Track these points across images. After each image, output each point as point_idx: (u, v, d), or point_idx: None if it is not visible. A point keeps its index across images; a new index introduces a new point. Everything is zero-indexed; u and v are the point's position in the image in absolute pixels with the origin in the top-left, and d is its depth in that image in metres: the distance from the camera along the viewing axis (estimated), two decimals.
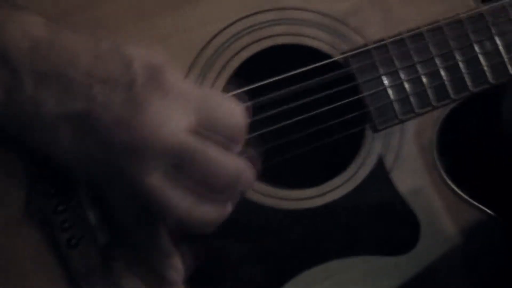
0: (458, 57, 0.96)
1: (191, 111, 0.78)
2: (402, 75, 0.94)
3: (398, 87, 0.94)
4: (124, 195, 0.81)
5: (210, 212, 0.80)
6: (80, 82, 0.77)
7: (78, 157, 0.79)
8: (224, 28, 0.92)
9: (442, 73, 0.95)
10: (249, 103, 0.90)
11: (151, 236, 0.83)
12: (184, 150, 0.77)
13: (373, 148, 0.94)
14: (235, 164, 0.79)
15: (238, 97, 0.87)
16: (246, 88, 0.90)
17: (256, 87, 0.91)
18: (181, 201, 0.78)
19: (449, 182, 0.95)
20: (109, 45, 0.79)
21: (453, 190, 0.95)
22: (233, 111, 0.80)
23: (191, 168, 0.78)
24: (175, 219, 0.79)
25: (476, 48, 0.96)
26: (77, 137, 0.78)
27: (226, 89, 0.91)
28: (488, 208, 0.96)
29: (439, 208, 0.95)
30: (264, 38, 0.93)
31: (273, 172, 0.91)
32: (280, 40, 0.94)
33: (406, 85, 0.94)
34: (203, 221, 0.79)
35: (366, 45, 0.94)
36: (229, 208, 0.82)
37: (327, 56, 0.94)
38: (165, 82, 0.77)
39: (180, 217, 0.78)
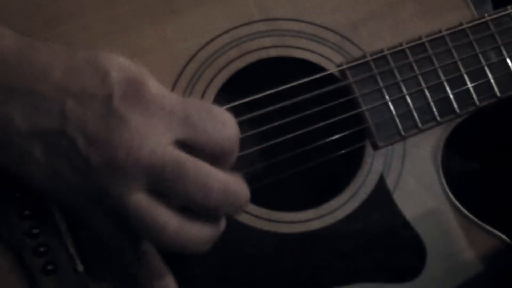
0: (462, 68, 0.94)
1: (176, 125, 0.75)
2: (403, 88, 0.92)
3: (399, 100, 0.92)
4: (107, 218, 0.78)
5: (200, 232, 0.77)
6: (52, 97, 0.74)
7: (52, 178, 0.76)
8: (211, 40, 0.90)
9: (446, 86, 0.93)
10: (240, 119, 0.87)
11: (140, 257, 0.79)
12: (168, 167, 0.74)
13: (373, 167, 0.92)
14: (225, 181, 0.76)
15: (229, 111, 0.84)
16: (235, 103, 0.88)
17: (247, 102, 0.88)
18: (168, 220, 0.75)
19: (457, 204, 0.92)
20: (84, 56, 0.76)
21: (461, 212, 0.92)
22: (224, 122, 0.77)
23: (177, 186, 0.75)
24: (164, 240, 0.75)
25: (481, 58, 0.94)
26: (50, 156, 0.75)
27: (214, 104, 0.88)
28: (501, 232, 0.92)
29: (448, 232, 0.92)
30: (254, 50, 0.91)
31: (266, 193, 0.88)
32: (271, 53, 0.91)
33: (408, 99, 0.92)
34: (193, 242, 0.76)
35: (364, 56, 0.92)
36: (221, 226, 0.79)
37: (321, 68, 0.92)
38: (146, 94, 0.74)
39: (168, 238, 0.75)
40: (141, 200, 0.74)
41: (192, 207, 0.76)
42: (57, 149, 0.74)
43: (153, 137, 0.74)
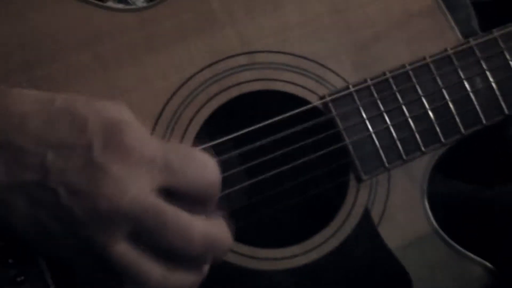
0: (447, 96, 0.94)
1: (157, 172, 0.76)
2: (387, 119, 0.93)
3: (383, 132, 0.93)
4: (92, 267, 0.78)
5: (184, 279, 0.78)
6: (32, 149, 0.75)
7: (36, 229, 0.76)
8: (192, 76, 0.90)
9: (431, 114, 0.93)
10: (223, 157, 0.87)
11: None
12: (148, 216, 0.75)
13: (358, 200, 0.92)
14: (205, 229, 0.77)
15: (209, 151, 0.84)
16: (217, 141, 0.88)
17: (229, 139, 0.88)
18: (152, 270, 0.76)
19: (443, 234, 0.93)
20: (61, 104, 0.76)
21: (447, 242, 0.93)
22: (205, 166, 0.77)
23: (158, 235, 0.75)
24: None
25: (467, 85, 0.94)
26: (33, 208, 0.75)
27: (196, 142, 0.88)
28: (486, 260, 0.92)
29: (433, 263, 0.93)
30: (235, 85, 0.91)
31: (250, 230, 0.88)
32: (253, 87, 0.92)
33: (392, 130, 0.93)
34: None
35: (347, 88, 0.92)
36: (204, 272, 0.80)
37: (304, 101, 0.92)
38: (125, 143, 0.74)
39: (153, 287, 0.76)
40: (125, 250, 0.75)
41: (173, 256, 0.76)
42: (40, 200, 0.75)
43: (134, 186, 0.74)
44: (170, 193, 0.77)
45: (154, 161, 0.76)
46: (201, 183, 0.77)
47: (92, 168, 0.74)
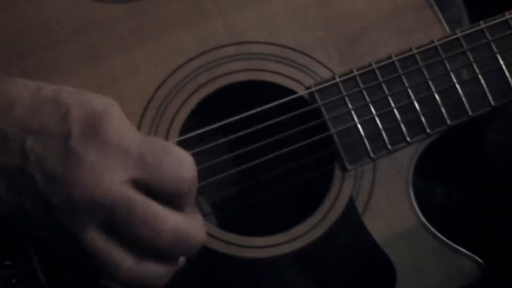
0: (433, 87, 0.94)
1: (131, 164, 0.77)
2: (373, 110, 0.93)
3: (368, 122, 0.93)
4: (70, 252, 0.81)
5: (156, 269, 0.79)
6: (13, 135, 0.77)
7: (16, 213, 0.79)
8: (180, 66, 0.92)
9: (416, 105, 0.94)
10: (208, 145, 0.88)
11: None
12: (118, 206, 0.76)
13: (343, 189, 0.93)
14: (174, 223, 0.77)
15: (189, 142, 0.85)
16: (204, 130, 0.90)
17: (216, 127, 0.89)
18: (122, 258, 0.78)
19: (427, 225, 0.93)
20: (47, 94, 0.78)
21: (432, 233, 0.93)
22: (180, 163, 0.78)
23: (126, 225, 0.77)
24: (121, 277, 0.78)
25: (453, 77, 0.94)
26: (12, 192, 0.78)
27: (183, 131, 0.89)
28: (471, 252, 0.92)
29: (417, 254, 0.93)
30: (223, 75, 0.93)
31: (235, 218, 0.89)
32: (240, 77, 0.93)
33: (378, 120, 0.93)
34: (150, 278, 0.79)
35: (333, 78, 0.93)
36: (178, 263, 0.81)
37: (291, 91, 0.93)
38: (103, 133, 0.76)
39: (124, 275, 0.78)
40: (96, 238, 0.77)
41: (144, 247, 0.78)
42: (19, 185, 0.77)
43: (108, 176, 0.76)
44: (146, 187, 0.78)
45: (129, 153, 0.77)
46: (175, 178, 0.78)
47: (68, 156, 0.76)
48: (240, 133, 0.90)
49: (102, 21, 0.91)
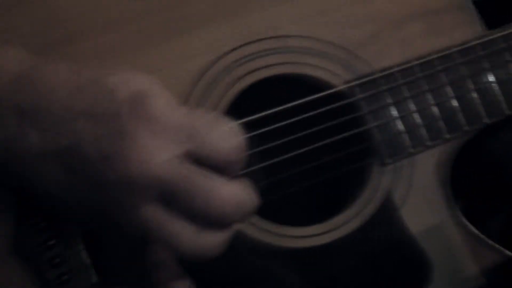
0: (470, 85, 0.96)
1: (182, 138, 0.79)
2: (411, 105, 0.95)
3: (408, 118, 0.95)
4: (123, 233, 0.81)
5: (213, 238, 0.80)
6: (63, 117, 0.78)
7: (68, 194, 0.80)
8: (219, 59, 0.93)
9: (454, 102, 0.95)
10: (247, 135, 0.90)
11: (159, 265, 0.83)
12: (175, 180, 0.78)
13: (381, 183, 0.94)
14: (232, 190, 0.79)
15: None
16: (242, 120, 0.90)
17: (255, 119, 0.91)
18: (182, 231, 0.79)
19: (465, 221, 0.94)
20: (90, 76, 0.79)
21: (468, 228, 0.94)
22: (229, 132, 0.80)
23: (185, 198, 0.78)
24: (181, 248, 0.79)
25: (489, 76, 0.96)
26: (66, 174, 0.79)
27: None
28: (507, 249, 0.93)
29: (453, 248, 0.94)
30: (261, 68, 0.94)
31: (272, 208, 0.91)
32: (278, 70, 0.94)
33: (416, 116, 0.94)
34: (208, 247, 0.80)
35: (372, 73, 0.95)
36: (232, 230, 0.82)
37: (329, 86, 0.95)
38: (152, 110, 0.78)
39: (185, 246, 0.79)
40: (154, 211, 0.78)
41: (203, 217, 0.79)
42: (72, 167, 0.79)
43: (161, 152, 0.77)
44: (197, 159, 0.79)
45: (179, 128, 0.79)
46: (225, 148, 0.80)
47: (121, 135, 0.77)
48: (275, 126, 0.92)
49: (143, 10, 0.92)
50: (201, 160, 0.79)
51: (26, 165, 0.80)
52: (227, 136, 0.80)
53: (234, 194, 0.80)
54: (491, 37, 0.97)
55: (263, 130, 0.92)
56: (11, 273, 0.83)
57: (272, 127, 0.91)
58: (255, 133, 0.91)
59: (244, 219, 0.82)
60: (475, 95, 0.95)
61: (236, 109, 0.94)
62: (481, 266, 0.94)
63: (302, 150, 0.92)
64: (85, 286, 0.84)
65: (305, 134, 0.92)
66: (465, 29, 0.98)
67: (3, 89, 0.79)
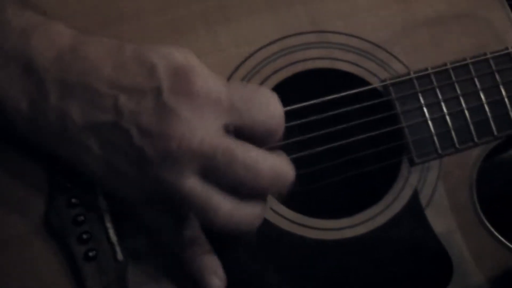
0: (504, 92, 0.98)
1: (223, 112, 0.81)
2: (444, 108, 0.97)
3: (439, 120, 0.97)
4: (159, 207, 0.84)
5: (251, 212, 0.82)
6: (105, 92, 0.80)
7: (107, 169, 0.82)
8: (261, 48, 0.95)
9: (486, 108, 0.97)
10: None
11: (189, 243, 0.85)
12: (218, 153, 0.79)
13: (409, 181, 0.96)
14: (272, 162, 0.81)
15: None
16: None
17: (290, 110, 0.92)
18: (221, 203, 0.81)
19: (487, 224, 0.96)
20: (131, 52, 0.81)
21: (491, 232, 0.96)
22: (268, 103, 0.82)
23: (227, 171, 0.80)
24: (218, 222, 0.81)
25: None
26: (106, 149, 0.81)
27: None
28: None
29: (475, 251, 0.96)
30: (301, 60, 0.96)
31: (302, 199, 0.93)
32: (317, 64, 0.96)
33: (448, 119, 0.97)
34: (246, 221, 0.82)
35: (408, 74, 0.97)
36: (268, 205, 0.84)
37: (365, 82, 0.97)
38: (192, 85, 0.79)
39: (222, 220, 0.81)
40: (195, 185, 0.80)
41: (242, 190, 0.81)
42: (113, 141, 0.81)
43: (202, 126, 0.79)
44: (237, 131, 0.82)
45: (219, 101, 0.81)
46: (265, 118, 0.82)
47: (162, 111, 0.79)
48: (311, 118, 0.93)
49: None
50: (241, 131, 0.81)
51: (67, 137, 0.81)
52: (267, 107, 0.82)
53: (274, 165, 0.81)
54: None
55: (298, 122, 0.93)
56: (40, 248, 0.85)
57: (307, 119, 0.93)
58: (289, 124, 0.92)
59: (282, 190, 0.83)
60: (507, 101, 0.98)
61: None
62: (503, 271, 0.96)
63: (334, 144, 0.94)
64: (110, 264, 0.85)
65: (338, 129, 0.94)
66: (500, 34, 1.00)
67: (49, 63, 0.81)
